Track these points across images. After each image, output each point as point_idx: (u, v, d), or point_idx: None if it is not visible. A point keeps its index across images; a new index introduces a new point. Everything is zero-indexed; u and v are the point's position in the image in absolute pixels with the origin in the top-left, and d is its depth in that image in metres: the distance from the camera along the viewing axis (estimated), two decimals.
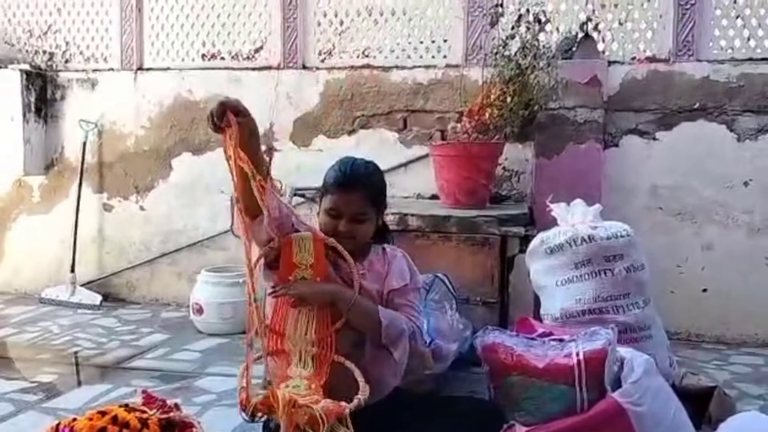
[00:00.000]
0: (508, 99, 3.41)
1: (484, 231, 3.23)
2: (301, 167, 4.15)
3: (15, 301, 4.55)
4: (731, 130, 3.73)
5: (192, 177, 4.46)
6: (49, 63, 4.73)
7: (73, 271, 4.46)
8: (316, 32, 4.30)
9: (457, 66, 4.04)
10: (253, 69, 4.37)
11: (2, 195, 4.80)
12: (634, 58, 3.86)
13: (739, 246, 3.74)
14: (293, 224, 1.94)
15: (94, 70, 4.63)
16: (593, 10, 3.88)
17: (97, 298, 4.39)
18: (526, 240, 3.07)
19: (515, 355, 2.06)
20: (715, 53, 3.79)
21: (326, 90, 4.24)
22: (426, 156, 3.94)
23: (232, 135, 1.71)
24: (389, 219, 3.14)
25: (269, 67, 4.34)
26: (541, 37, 3.64)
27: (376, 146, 4.09)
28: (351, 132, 4.21)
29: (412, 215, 3.32)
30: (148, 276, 4.58)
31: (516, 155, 3.94)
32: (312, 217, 2.36)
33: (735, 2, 3.77)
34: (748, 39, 3.77)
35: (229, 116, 1.71)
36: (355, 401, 1.70)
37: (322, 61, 4.29)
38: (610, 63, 3.80)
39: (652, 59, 3.84)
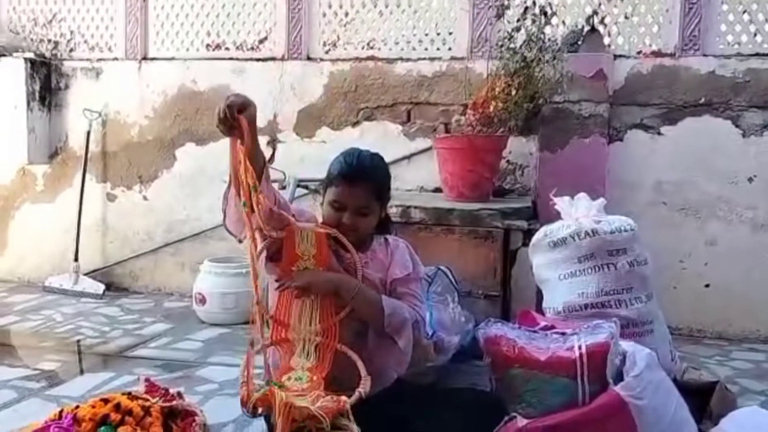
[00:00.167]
0: (513, 92, 3.40)
1: (487, 224, 3.24)
2: (304, 159, 4.16)
3: (18, 289, 4.57)
4: (736, 126, 3.72)
5: (195, 167, 4.46)
6: (53, 52, 4.72)
7: (76, 260, 4.47)
8: (320, 23, 4.29)
9: (462, 58, 4.02)
10: (258, 60, 4.36)
11: (6, 183, 4.80)
12: (639, 52, 3.84)
13: (742, 242, 3.74)
14: (294, 216, 1.94)
15: (99, 60, 4.63)
16: (599, 4, 3.86)
17: (100, 287, 4.41)
18: (529, 233, 3.07)
19: (517, 347, 2.07)
20: (722, 48, 3.77)
21: (330, 81, 4.23)
22: (430, 148, 3.94)
23: (243, 140, 1.70)
24: (392, 211, 3.15)
25: (273, 58, 4.33)
26: (547, 30, 3.61)
27: (380, 138, 4.08)
28: (355, 124, 4.21)
29: (416, 208, 3.33)
30: (151, 265, 4.59)
31: (520, 149, 3.93)
32: (316, 208, 2.36)
33: None
34: (755, 34, 3.75)
35: (240, 120, 1.70)
36: (356, 395, 1.70)
37: (327, 52, 4.28)
38: (615, 57, 3.78)
39: (657, 53, 3.82)
